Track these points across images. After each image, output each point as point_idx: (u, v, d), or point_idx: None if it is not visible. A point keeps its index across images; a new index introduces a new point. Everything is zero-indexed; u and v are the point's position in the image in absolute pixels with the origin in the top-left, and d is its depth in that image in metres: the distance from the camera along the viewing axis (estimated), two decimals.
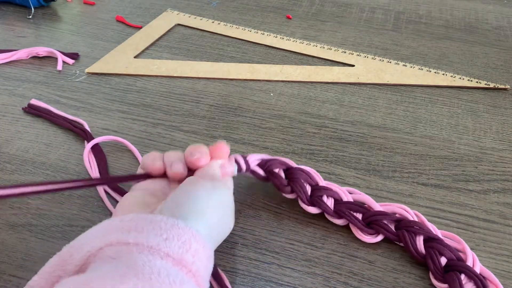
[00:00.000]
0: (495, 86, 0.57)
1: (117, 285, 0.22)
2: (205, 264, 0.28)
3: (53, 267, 0.27)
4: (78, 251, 0.27)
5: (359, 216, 0.38)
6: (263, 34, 0.66)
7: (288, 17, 0.71)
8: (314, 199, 0.39)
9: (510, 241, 0.38)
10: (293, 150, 0.47)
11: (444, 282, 0.34)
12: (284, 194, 0.40)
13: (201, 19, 0.69)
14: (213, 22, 0.69)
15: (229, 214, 0.34)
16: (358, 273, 0.36)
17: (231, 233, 0.38)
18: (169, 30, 0.67)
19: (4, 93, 0.54)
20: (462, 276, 0.34)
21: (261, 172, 0.40)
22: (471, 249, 0.37)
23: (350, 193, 0.40)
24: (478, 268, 0.35)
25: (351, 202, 0.39)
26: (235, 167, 0.37)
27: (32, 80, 0.56)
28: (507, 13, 0.75)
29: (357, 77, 0.58)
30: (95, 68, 0.58)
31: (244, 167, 0.38)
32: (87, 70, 0.57)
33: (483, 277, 0.34)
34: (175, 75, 0.57)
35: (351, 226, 0.39)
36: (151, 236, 0.26)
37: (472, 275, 0.34)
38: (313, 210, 0.39)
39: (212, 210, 0.31)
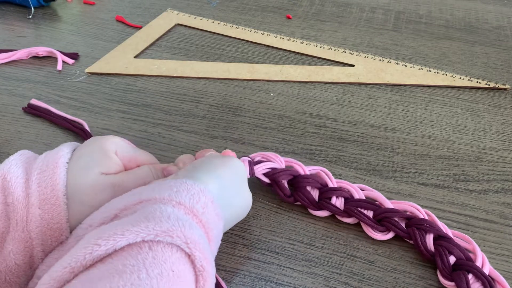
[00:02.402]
0: (495, 86, 0.57)
1: (129, 228, 0.24)
2: (215, 220, 0.29)
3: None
4: (106, 212, 0.29)
5: (370, 213, 0.38)
6: (263, 34, 0.66)
7: (288, 17, 0.71)
8: (322, 203, 0.39)
9: (510, 241, 0.38)
10: (293, 150, 0.47)
11: (451, 280, 0.34)
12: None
13: (201, 19, 0.69)
14: (213, 22, 0.69)
15: (244, 186, 0.36)
16: (358, 273, 0.36)
17: (230, 233, 0.38)
18: (169, 30, 0.67)
19: (4, 93, 0.54)
20: (470, 276, 0.34)
21: (265, 180, 0.40)
22: None
23: (361, 190, 0.40)
24: (487, 269, 0.35)
25: (361, 199, 0.39)
26: None
27: (32, 80, 0.56)
28: (507, 13, 0.75)
29: (357, 77, 0.58)
30: (95, 68, 0.58)
31: (248, 173, 0.39)
32: (87, 70, 0.57)
33: (492, 278, 0.34)
34: (175, 75, 0.57)
35: (361, 224, 0.39)
36: (163, 190, 0.28)
37: (480, 275, 0.34)
38: (322, 213, 0.39)
39: (223, 170, 0.33)
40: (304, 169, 0.41)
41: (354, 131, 0.50)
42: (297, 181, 0.40)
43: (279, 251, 0.37)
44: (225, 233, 0.38)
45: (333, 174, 0.44)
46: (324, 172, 0.41)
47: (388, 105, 0.53)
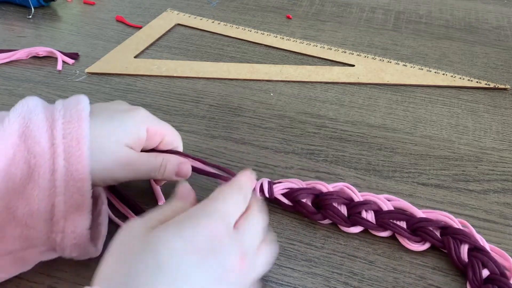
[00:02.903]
0: (495, 86, 0.57)
1: None
2: None
3: None
4: None
5: (403, 224, 0.37)
6: (263, 34, 0.66)
7: (288, 17, 0.71)
8: (353, 218, 0.38)
9: (510, 241, 0.38)
10: (293, 150, 0.47)
11: None
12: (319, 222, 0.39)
13: (201, 19, 0.69)
14: (213, 22, 0.69)
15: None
16: (358, 273, 0.36)
17: None
18: (169, 30, 0.67)
19: (4, 93, 0.54)
20: None
21: (286, 201, 0.39)
22: None
23: (388, 200, 0.39)
24: None
25: (392, 211, 0.38)
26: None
27: (32, 80, 0.56)
28: (507, 13, 0.75)
29: (357, 77, 0.58)
30: (95, 68, 0.58)
31: (267, 193, 0.38)
32: (87, 70, 0.57)
33: None
34: (175, 75, 0.57)
35: (397, 236, 0.38)
36: None
37: None
38: (355, 229, 0.38)
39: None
40: (328, 187, 0.39)
41: (354, 131, 0.50)
42: (321, 199, 0.38)
43: (279, 251, 0.37)
44: None
45: (333, 174, 0.44)
46: (347, 187, 0.40)
47: (388, 105, 0.53)
